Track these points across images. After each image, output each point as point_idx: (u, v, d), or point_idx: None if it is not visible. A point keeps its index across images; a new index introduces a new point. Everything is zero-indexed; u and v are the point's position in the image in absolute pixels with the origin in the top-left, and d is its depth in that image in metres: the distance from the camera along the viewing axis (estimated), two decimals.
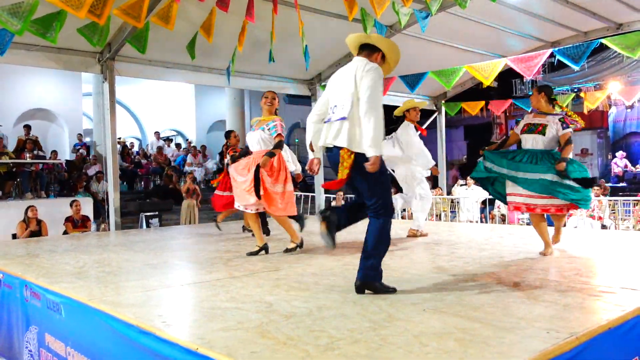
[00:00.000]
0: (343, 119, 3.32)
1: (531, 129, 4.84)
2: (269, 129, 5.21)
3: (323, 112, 3.63)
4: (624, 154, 18.43)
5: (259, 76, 10.50)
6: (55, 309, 3.72)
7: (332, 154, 3.48)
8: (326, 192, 12.28)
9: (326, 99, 3.63)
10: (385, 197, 3.42)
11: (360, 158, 3.28)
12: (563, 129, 4.74)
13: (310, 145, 3.72)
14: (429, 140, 6.71)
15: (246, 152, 5.75)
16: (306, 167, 3.88)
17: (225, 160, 7.31)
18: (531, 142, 4.82)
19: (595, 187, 11.58)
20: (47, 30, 5.58)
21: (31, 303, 4.13)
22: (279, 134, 5.19)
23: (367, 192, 3.40)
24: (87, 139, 17.87)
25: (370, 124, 3.20)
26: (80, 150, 15.46)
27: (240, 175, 5.23)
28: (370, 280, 3.37)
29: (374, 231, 3.39)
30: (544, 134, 4.75)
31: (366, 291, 3.39)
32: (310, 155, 3.76)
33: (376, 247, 3.40)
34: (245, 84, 10.89)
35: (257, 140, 5.26)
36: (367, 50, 3.57)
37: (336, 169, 3.42)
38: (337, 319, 2.81)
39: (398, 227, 6.97)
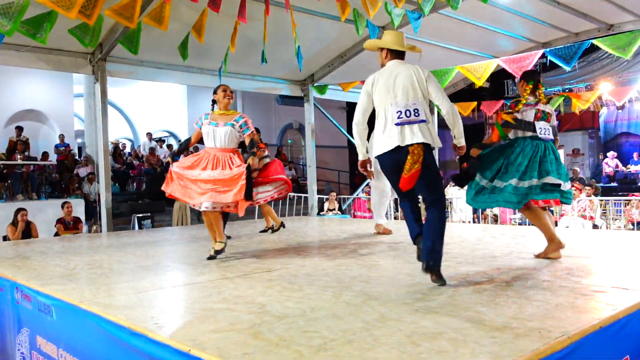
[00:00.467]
0: (423, 121, 3.65)
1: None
2: (239, 126, 4.99)
3: (367, 118, 3.90)
4: (615, 154, 18.56)
5: (251, 77, 10.50)
6: (46, 311, 3.69)
7: (396, 155, 3.66)
8: (319, 192, 12.29)
9: (369, 105, 3.86)
10: (442, 189, 3.91)
11: (429, 155, 3.66)
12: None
13: (365, 149, 3.97)
14: None
15: (187, 146, 5.48)
16: (360, 168, 4.04)
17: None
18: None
19: (587, 187, 11.67)
20: (37, 30, 5.52)
21: (22, 305, 4.10)
22: (252, 132, 5.04)
23: (430, 185, 3.72)
24: (78, 140, 17.79)
25: (457, 121, 3.79)
26: (72, 151, 15.38)
27: (201, 170, 4.90)
28: (439, 263, 3.62)
29: (439, 220, 3.68)
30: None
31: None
32: (362, 157, 3.96)
33: (442, 235, 3.67)
34: (237, 85, 10.86)
35: (224, 136, 4.97)
36: (401, 53, 3.93)
37: (395, 168, 3.69)
38: (330, 319, 2.81)
39: (392, 227, 6.98)
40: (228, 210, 5.10)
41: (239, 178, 4.77)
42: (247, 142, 5.05)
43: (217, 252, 5.06)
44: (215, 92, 5.25)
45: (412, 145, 3.58)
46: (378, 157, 3.79)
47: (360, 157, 3.99)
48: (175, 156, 5.23)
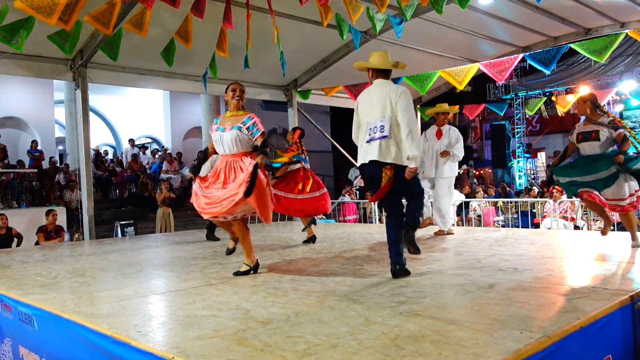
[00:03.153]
0: (384, 137, 3.93)
1: (585, 137, 5.15)
2: (247, 128, 4.45)
3: (359, 132, 4.24)
4: None
5: (234, 82, 10.47)
6: (27, 321, 3.64)
7: (372, 168, 4.04)
8: None
9: (358, 120, 4.24)
10: (419, 185, 4.31)
11: (400, 170, 3.99)
12: (615, 130, 5.03)
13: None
14: None
15: (205, 157, 4.88)
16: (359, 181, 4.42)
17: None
18: (588, 149, 5.14)
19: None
20: (13, 37, 5.44)
21: (3, 315, 4.04)
22: (262, 133, 4.48)
23: (409, 186, 4.11)
24: (60, 147, 17.59)
25: (411, 143, 3.90)
26: (53, 158, 15.20)
27: (217, 188, 4.40)
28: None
29: (420, 203, 4.31)
30: (598, 140, 5.06)
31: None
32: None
33: (390, 239, 4.11)
34: (220, 90, 10.84)
35: (232, 140, 4.43)
36: (384, 72, 4.16)
37: (373, 182, 4.08)
38: (314, 324, 2.81)
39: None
40: (253, 215, 4.66)
41: (244, 181, 4.26)
42: (259, 143, 4.48)
43: (241, 273, 4.52)
44: (225, 92, 4.72)
45: (386, 165, 3.95)
46: (359, 167, 4.20)
47: None
48: (195, 171, 4.67)
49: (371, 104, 4.06)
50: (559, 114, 14.36)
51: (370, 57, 4.19)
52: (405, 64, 4.31)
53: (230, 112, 4.64)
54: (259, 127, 4.47)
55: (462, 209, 12.22)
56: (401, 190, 4.16)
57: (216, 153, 4.73)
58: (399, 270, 4.01)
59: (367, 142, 4.03)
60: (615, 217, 10.68)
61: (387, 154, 3.96)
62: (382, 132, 3.92)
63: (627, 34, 7.57)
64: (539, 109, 18.09)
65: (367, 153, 4.05)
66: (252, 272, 4.52)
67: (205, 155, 4.83)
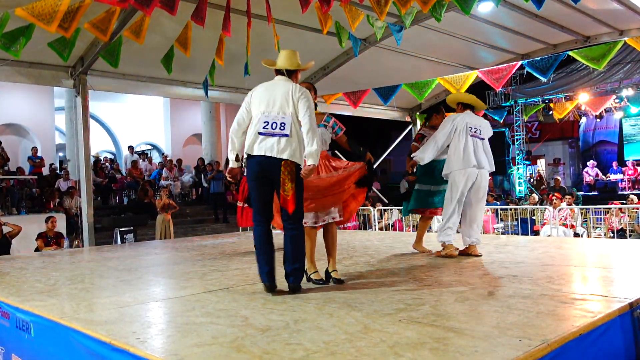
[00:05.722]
0: (285, 135, 3.77)
1: None
2: (331, 127, 4.57)
3: (246, 125, 3.96)
4: (595, 163, 18.86)
5: (234, 89, 10.51)
6: (24, 328, 3.63)
7: (265, 164, 3.79)
8: None
9: (247, 113, 3.96)
10: (302, 206, 3.94)
11: (298, 169, 3.79)
12: None
13: (237, 156, 3.98)
14: (405, 152, 6.68)
15: None
16: (228, 176, 4.07)
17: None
18: None
19: (567, 196, 11.83)
20: (12, 44, 5.47)
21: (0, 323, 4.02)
22: (345, 131, 4.61)
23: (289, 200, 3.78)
24: (60, 154, 17.59)
25: (312, 139, 3.74)
26: (53, 165, 15.20)
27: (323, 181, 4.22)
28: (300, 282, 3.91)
29: (301, 240, 3.93)
30: None
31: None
32: (233, 165, 3.99)
33: (303, 252, 3.93)
34: (220, 97, 10.88)
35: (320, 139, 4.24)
36: (290, 73, 4.03)
37: (260, 176, 3.84)
38: (313, 331, 2.80)
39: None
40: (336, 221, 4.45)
41: (358, 174, 4.26)
42: (344, 141, 4.56)
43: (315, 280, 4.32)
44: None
45: (284, 160, 3.74)
46: (247, 159, 3.91)
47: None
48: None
49: (272, 99, 3.86)
50: (556, 121, 14.37)
51: (279, 56, 4.08)
52: (311, 64, 4.29)
53: None
54: (340, 125, 4.63)
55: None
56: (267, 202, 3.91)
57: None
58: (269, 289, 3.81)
59: (261, 134, 3.80)
60: (615, 223, 10.71)
61: (284, 150, 3.75)
62: (283, 129, 3.78)
63: (625, 42, 7.61)
64: (535, 113, 18.12)
65: (260, 144, 3.79)
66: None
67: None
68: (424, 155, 5.43)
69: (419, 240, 5.98)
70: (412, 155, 5.63)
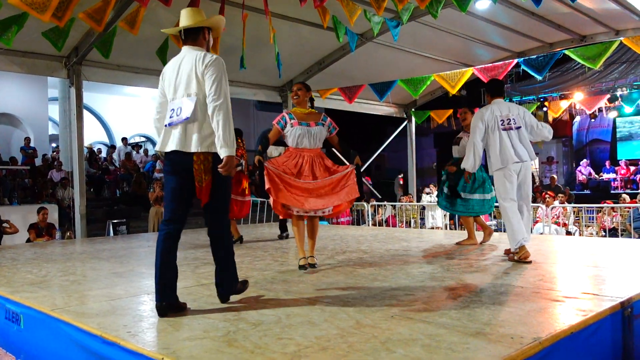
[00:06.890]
0: (186, 119, 3.08)
1: None
2: (327, 126, 4.72)
3: (164, 113, 3.31)
4: (588, 161, 18.93)
5: (230, 82, 10.40)
6: (14, 319, 3.61)
7: (178, 159, 3.16)
8: None
9: (163, 96, 3.33)
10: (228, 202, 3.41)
11: (216, 160, 3.11)
12: None
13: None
14: (399, 148, 6.69)
15: (267, 146, 4.85)
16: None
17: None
18: None
19: (560, 195, 11.87)
20: (4, 32, 5.42)
21: None
22: (337, 130, 4.80)
23: (219, 197, 3.24)
24: (53, 145, 17.47)
25: (222, 123, 3.03)
26: (46, 156, 15.10)
27: (308, 182, 4.49)
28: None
29: (230, 244, 3.46)
30: None
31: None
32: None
33: (233, 255, 3.46)
34: None
35: (316, 136, 4.64)
36: (192, 34, 3.29)
37: (178, 170, 3.17)
38: (304, 326, 2.80)
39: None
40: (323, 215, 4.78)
41: (349, 178, 4.60)
42: (335, 141, 4.79)
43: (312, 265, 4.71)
44: (291, 91, 4.88)
45: (196, 153, 3.10)
46: (165, 156, 3.28)
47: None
48: (263, 154, 4.66)
49: (178, 78, 3.20)
50: (549, 120, 14.40)
51: (181, 16, 3.36)
52: (216, 18, 3.45)
53: (302, 109, 4.77)
54: (335, 125, 4.80)
55: (454, 214, 12.25)
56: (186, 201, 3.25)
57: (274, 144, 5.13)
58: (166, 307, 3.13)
59: (168, 124, 3.16)
60: (607, 222, 10.76)
61: (191, 142, 3.11)
62: (187, 114, 3.08)
63: (621, 42, 7.63)
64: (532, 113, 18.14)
65: (169, 138, 3.18)
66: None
67: (267, 144, 4.84)
68: (467, 164, 5.16)
69: (471, 235, 6.23)
70: (462, 167, 5.30)
